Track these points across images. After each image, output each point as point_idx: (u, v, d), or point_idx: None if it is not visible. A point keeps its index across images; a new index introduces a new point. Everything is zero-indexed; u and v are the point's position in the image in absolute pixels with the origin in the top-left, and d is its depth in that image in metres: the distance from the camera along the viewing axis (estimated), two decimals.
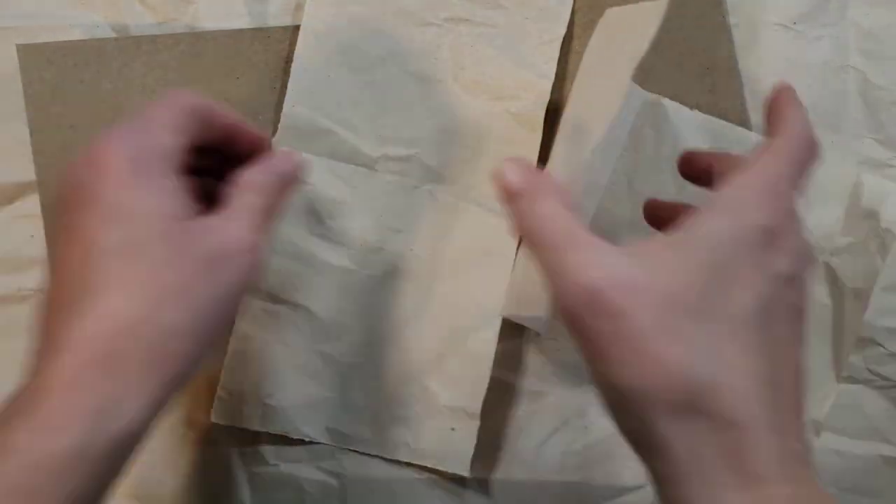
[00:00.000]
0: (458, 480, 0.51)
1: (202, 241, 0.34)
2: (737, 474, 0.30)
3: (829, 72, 0.54)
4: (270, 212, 0.38)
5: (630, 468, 0.52)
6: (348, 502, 0.51)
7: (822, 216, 0.54)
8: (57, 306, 0.33)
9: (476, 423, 0.50)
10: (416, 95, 0.52)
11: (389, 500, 0.52)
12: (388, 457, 0.50)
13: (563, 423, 0.52)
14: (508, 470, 0.52)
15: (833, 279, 0.54)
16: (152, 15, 0.51)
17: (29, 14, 0.50)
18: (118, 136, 0.34)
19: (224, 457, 0.51)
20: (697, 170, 0.43)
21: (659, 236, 0.33)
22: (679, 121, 0.52)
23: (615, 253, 0.32)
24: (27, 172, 0.50)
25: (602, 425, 0.53)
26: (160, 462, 0.51)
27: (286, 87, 0.50)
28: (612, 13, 0.48)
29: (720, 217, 0.32)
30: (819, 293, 0.54)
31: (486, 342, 0.50)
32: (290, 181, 0.40)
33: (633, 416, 0.33)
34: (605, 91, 0.42)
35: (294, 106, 0.49)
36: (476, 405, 0.50)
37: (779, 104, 0.36)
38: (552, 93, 0.52)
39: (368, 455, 0.51)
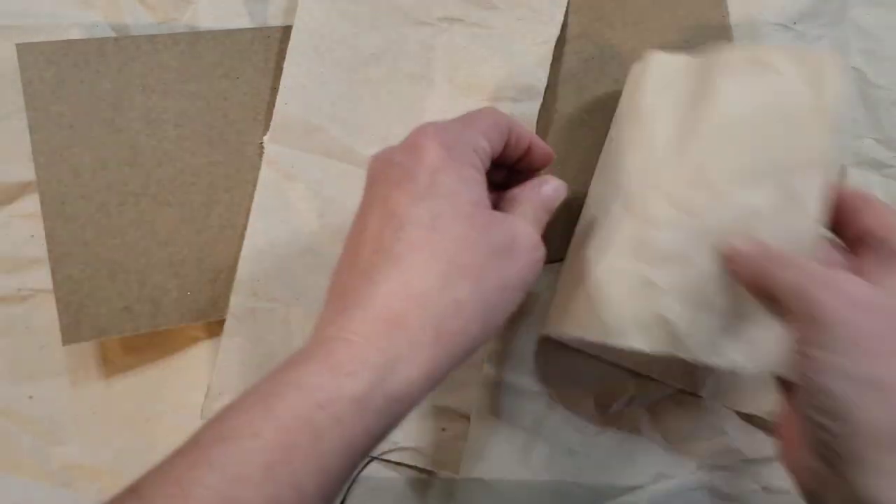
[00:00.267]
0: (456, 480, 0.51)
1: (499, 229, 0.37)
2: None
3: None
4: (542, 225, 0.41)
5: (630, 468, 0.52)
6: (348, 502, 0.51)
7: None
8: (357, 267, 0.36)
9: (467, 424, 0.50)
10: (409, 94, 0.51)
11: (389, 499, 0.51)
12: (379, 456, 0.50)
13: (563, 424, 0.52)
14: (507, 470, 0.52)
15: None
16: (152, 15, 0.52)
17: (29, 13, 0.51)
18: (439, 128, 0.38)
19: None
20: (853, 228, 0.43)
21: None
22: None
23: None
24: (27, 172, 0.50)
25: (602, 425, 0.53)
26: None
27: None
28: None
29: None
30: None
31: None
32: (553, 205, 0.43)
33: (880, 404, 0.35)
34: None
35: (287, 103, 0.49)
36: (466, 406, 0.50)
37: None
38: (545, 95, 0.52)
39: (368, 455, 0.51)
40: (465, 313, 0.35)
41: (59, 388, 0.50)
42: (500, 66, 0.52)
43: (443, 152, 0.37)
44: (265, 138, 0.49)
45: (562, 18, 0.52)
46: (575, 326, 0.45)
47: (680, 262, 0.43)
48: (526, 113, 0.52)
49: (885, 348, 0.35)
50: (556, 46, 0.52)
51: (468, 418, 0.50)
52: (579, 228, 0.48)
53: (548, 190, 0.42)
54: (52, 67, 0.48)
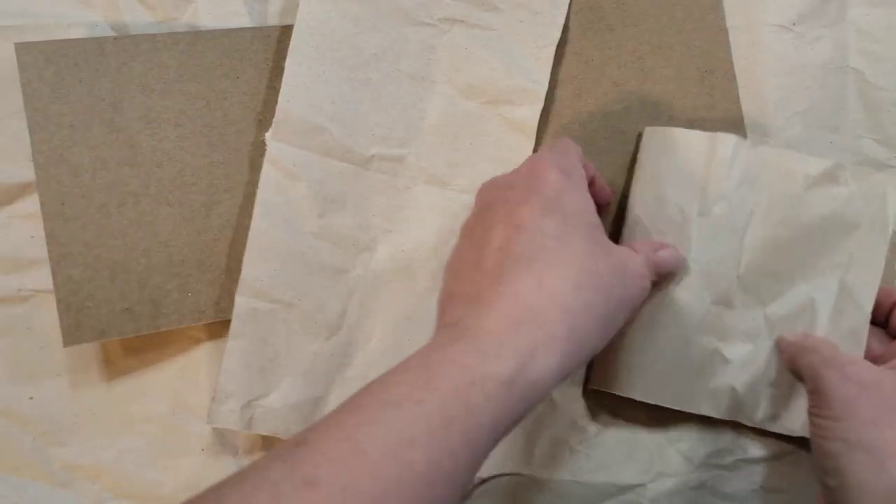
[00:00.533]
0: None
1: (617, 253, 0.41)
2: None
3: (829, 72, 0.54)
4: (652, 271, 0.45)
5: (630, 468, 0.52)
6: None
7: None
8: (484, 272, 0.39)
9: None
10: (409, 95, 0.51)
11: None
12: None
13: (564, 423, 0.52)
14: (507, 469, 0.52)
15: None
16: (151, 14, 0.51)
17: (28, 13, 0.50)
18: (552, 155, 0.43)
19: (224, 457, 0.51)
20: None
21: None
22: None
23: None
24: (27, 172, 0.49)
25: (603, 425, 0.53)
26: (160, 462, 0.50)
27: None
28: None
29: None
30: None
31: None
32: (669, 273, 0.48)
33: (862, 464, 0.42)
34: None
35: (288, 102, 0.49)
36: None
37: None
38: (545, 98, 0.52)
39: None
40: (594, 317, 0.38)
41: (59, 388, 0.50)
42: (500, 69, 0.52)
43: (562, 176, 0.41)
44: (267, 135, 0.48)
45: (563, 21, 0.52)
46: (641, 391, 0.49)
47: (748, 341, 0.50)
48: (526, 116, 0.52)
49: (877, 419, 0.42)
50: (556, 48, 0.52)
51: None
52: None
53: (664, 254, 0.47)
54: (52, 67, 0.48)
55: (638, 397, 0.49)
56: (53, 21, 0.50)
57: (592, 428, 0.53)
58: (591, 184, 0.47)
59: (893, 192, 0.49)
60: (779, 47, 0.54)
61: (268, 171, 0.49)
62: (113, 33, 0.51)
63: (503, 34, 0.52)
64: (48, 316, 0.49)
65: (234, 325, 0.49)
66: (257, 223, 0.48)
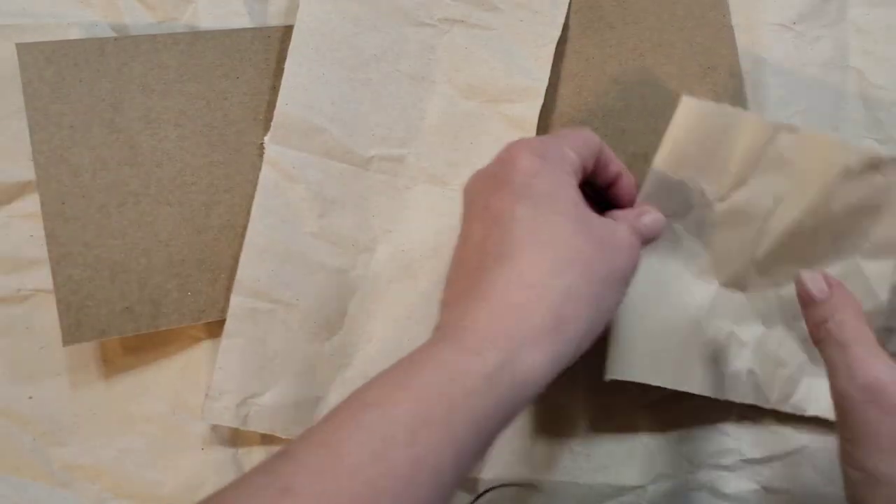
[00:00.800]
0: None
1: (598, 226, 0.40)
2: None
3: (830, 71, 0.54)
4: (641, 238, 0.43)
5: (630, 468, 0.52)
6: None
7: None
8: (468, 271, 0.39)
9: None
10: (409, 95, 0.51)
11: None
12: None
13: (564, 423, 0.52)
14: (508, 470, 0.52)
15: None
16: (151, 14, 0.51)
17: (28, 13, 0.50)
18: (529, 140, 0.41)
19: (224, 457, 0.51)
20: None
21: None
22: None
23: None
24: (27, 172, 0.49)
25: (603, 425, 0.53)
26: (160, 462, 0.50)
27: None
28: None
29: None
30: None
31: None
32: (653, 238, 0.45)
33: (883, 499, 0.38)
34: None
35: (287, 103, 0.49)
36: None
37: None
38: (545, 96, 0.52)
39: None
40: (580, 301, 0.37)
41: (59, 388, 0.50)
42: (500, 68, 0.52)
43: (536, 159, 0.39)
44: (266, 138, 0.49)
45: (563, 20, 0.52)
46: (664, 377, 0.48)
47: (762, 322, 0.50)
48: (526, 114, 0.52)
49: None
50: (556, 46, 0.52)
51: None
52: (652, 277, 0.49)
53: (647, 220, 0.44)
54: (52, 67, 0.48)
55: (661, 384, 0.48)
56: (53, 21, 0.50)
57: (593, 429, 0.53)
58: (614, 183, 0.46)
59: None
60: (779, 46, 0.54)
61: (266, 174, 0.49)
62: (112, 33, 0.51)
63: (503, 33, 0.52)
64: (48, 316, 0.49)
65: (230, 324, 0.49)
66: (255, 224, 0.48)
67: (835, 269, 0.48)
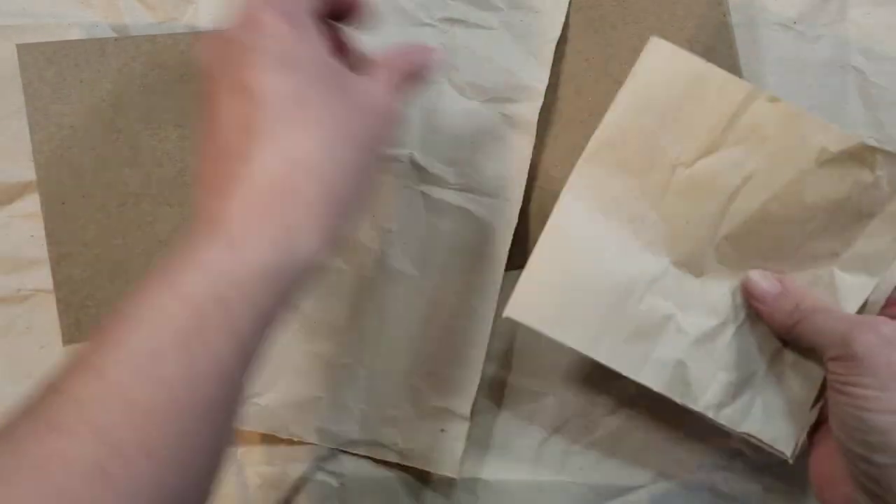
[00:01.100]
0: (454, 481, 0.51)
1: (358, 91, 0.37)
2: None
3: (830, 71, 0.54)
4: (401, 92, 0.40)
5: (630, 468, 0.52)
6: (348, 502, 0.52)
7: None
8: (222, 152, 0.34)
9: (466, 425, 0.50)
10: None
11: (389, 500, 0.52)
12: (377, 458, 0.51)
13: (564, 423, 0.52)
14: (508, 470, 0.52)
15: None
16: (152, 15, 0.52)
17: (28, 13, 0.51)
18: None
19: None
20: None
21: None
22: None
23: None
24: (27, 172, 0.50)
25: (602, 425, 0.53)
26: None
27: None
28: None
29: None
30: None
31: (477, 343, 0.51)
32: (421, 73, 0.41)
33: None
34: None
35: None
36: (466, 407, 0.50)
37: None
38: (546, 96, 0.52)
39: (368, 455, 0.51)
40: (350, 177, 0.35)
41: None
42: (500, 67, 0.52)
43: (286, 22, 0.35)
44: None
45: (563, 19, 0.53)
46: (570, 335, 0.45)
47: (713, 316, 0.46)
48: (526, 114, 0.52)
49: None
50: (556, 46, 0.52)
51: (468, 419, 0.50)
52: (590, 232, 0.46)
53: (414, 56, 0.41)
54: (53, 68, 0.49)
55: (564, 341, 0.44)
56: (53, 21, 0.51)
57: (593, 428, 0.53)
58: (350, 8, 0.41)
59: None
60: (779, 46, 0.54)
61: None
62: (113, 34, 0.51)
63: (503, 33, 0.52)
64: (48, 315, 0.50)
65: None
66: None
67: (804, 275, 0.46)
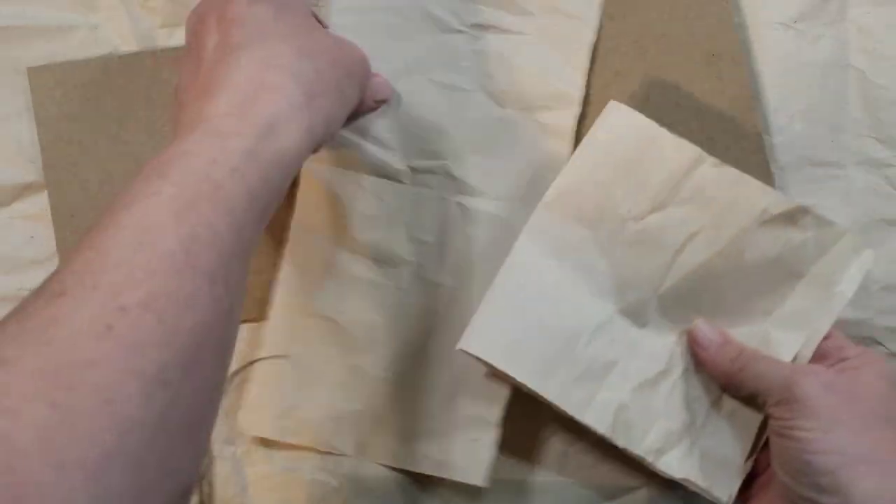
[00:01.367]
0: (456, 482, 0.51)
1: (328, 33, 0.43)
2: None
3: (830, 71, 0.55)
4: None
5: (630, 468, 0.52)
6: (348, 502, 0.52)
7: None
8: (207, 65, 0.38)
9: (497, 432, 0.50)
10: (442, 105, 0.51)
11: (389, 500, 0.52)
12: (414, 470, 0.51)
13: (564, 423, 0.52)
14: (508, 470, 0.53)
15: None
16: (153, 18, 0.52)
17: (27, 15, 0.51)
18: None
19: (223, 456, 0.52)
20: None
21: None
22: None
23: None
24: (27, 173, 0.51)
25: None
26: None
27: None
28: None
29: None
30: None
31: None
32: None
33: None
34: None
35: None
36: (498, 414, 0.50)
37: None
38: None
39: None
40: (327, 82, 0.39)
41: None
42: (534, 74, 0.52)
43: None
44: None
45: (597, 23, 0.52)
46: (515, 368, 0.46)
47: (656, 365, 0.48)
48: (562, 122, 0.52)
49: (868, 425, 0.41)
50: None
51: (500, 427, 0.50)
52: (543, 276, 0.48)
53: (379, 80, 0.48)
54: (60, 89, 0.50)
55: (516, 376, 0.46)
56: (55, 24, 0.51)
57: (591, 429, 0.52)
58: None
59: (854, 252, 0.46)
60: (779, 46, 0.54)
61: (304, 191, 0.50)
62: (114, 36, 0.52)
63: (536, 38, 0.52)
64: None
65: (268, 336, 0.50)
66: (294, 241, 0.50)
67: (741, 331, 0.47)
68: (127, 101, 0.51)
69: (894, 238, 0.54)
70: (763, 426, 0.47)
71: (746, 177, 0.47)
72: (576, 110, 0.52)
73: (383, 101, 0.49)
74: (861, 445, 0.41)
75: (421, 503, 0.53)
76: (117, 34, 0.52)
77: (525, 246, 0.47)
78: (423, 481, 0.52)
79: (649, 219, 0.47)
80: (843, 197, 0.55)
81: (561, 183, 0.47)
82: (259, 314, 0.51)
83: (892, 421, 0.42)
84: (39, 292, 0.30)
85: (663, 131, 0.47)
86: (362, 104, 0.46)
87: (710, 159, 0.47)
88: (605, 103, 0.47)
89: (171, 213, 0.31)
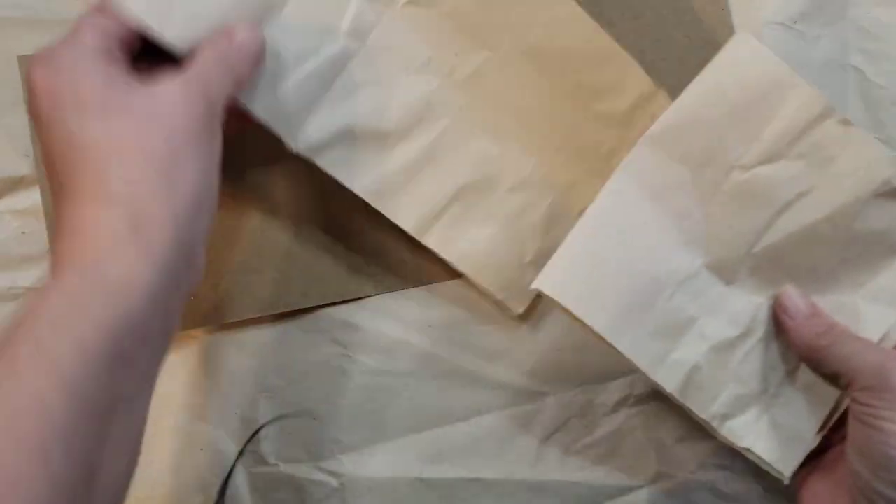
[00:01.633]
0: (455, 481, 0.52)
1: (142, 101, 0.36)
2: None
3: (830, 70, 0.55)
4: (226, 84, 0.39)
5: (630, 468, 0.53)
6: (348, 502, 0.52)
7: None
8: (55, 193, 0.36)
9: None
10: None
11: (389, 500, 0.52)
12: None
13: (564, 423, 0.53)
14: (508, 470, 0.53)
15: None
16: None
17: (22, 5, 0.50)
18: (39, 55, 0.37)
19: (224, 457, 0.52)
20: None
21: None
22: None
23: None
24: (17, 167, 0.50)
25: (602, 425, 0.53)
26: (160, 462, 0.51)
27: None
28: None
29: None
30: None
31: None
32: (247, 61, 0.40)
33: None
34: None
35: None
36: None
37: None
38: None
39: (368, 455, 0.52)
40: (148, 191, 0.35)
41: None
42: None
43: (47, 72, 0.36)
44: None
45: None
46: (591, 314, 0.43)
47: (736, 327, 0.46)
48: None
49: None
50: None
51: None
52: (634, 217, 0.45)
53: (241, 38, 0.40)
54: None
55: (590, 323, 0.43)
56: (50, 16, 0.50)
57: (593, 428, 0.53)
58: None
59: None
60: (779, 46, 0.54)
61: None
62: None
63: None
64: None
65: None
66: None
67: (829, 299, 0.46)
68: None
69: None
70: (838, 404, 0.45)
71: (874, 141, 0.44)
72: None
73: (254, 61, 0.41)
74: None
75: (421, 503, 0.53)
76: None
77: (621, 181, 0.44)
78: (423, 481, 0.52)
79: (758, 170, 0.44)
80: None
81: (670, 117, 0.44)
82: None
83: None
84: None
85: (793, 75, 0.44)
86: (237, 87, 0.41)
87: (838, 115, 0.44)
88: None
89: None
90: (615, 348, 0.43)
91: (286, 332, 0.52)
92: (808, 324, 0.44)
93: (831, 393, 0.45)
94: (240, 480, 0.52)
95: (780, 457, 0.46)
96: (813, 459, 0.46)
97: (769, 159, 0.44)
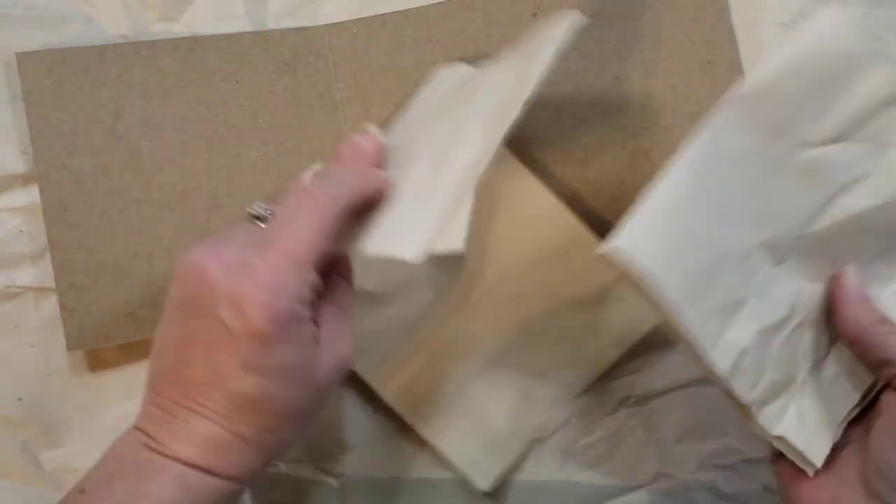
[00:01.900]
0: (455, 480, 0.52)
1: (317, 377, 0.38)
2: None
3: None
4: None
5: (630, 468, 0.53)
6: (348, 502, 0.52)
7: None
8: (177, 399, 0.37)
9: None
10: None
11: (389, 500, 0.53)
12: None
13: (564, 423, 0.53)
14: (508, 470, 0.53)
15: None
16: (149, 12, 0.52)
17: (20, 3, 0.51)
18: (265, 289, 0.35)
19: None
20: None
21: None
22: None
23: None
24: (17, 164, 0.50)
25: (602, 425, 0.54)
26: None
27: (285, 90, 0.51)
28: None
29: None
30: None
31: None
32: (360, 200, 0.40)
33: None
34: None
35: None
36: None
37: None
38: (544, 93, 0.47)
39: (368, 455, 0.52)
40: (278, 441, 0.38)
41: (50, 389, 0.51)
42: None
43: (272, 319, 0.35)
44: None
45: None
46: (667, 279, 0.38)
47: (777, 311, 0.44)
48: None
49: None
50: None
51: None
52: (713, 180, 0.41)
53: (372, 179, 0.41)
54: (52, 76, 0.49)
55: (664, 290, 0.38)
56: (48, 14, 0.51)
57: (593, 428, 0.53)
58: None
59: None
60: (779, 46, 0.54)
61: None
62: (112, 40, 0.51)
63: None
64: (37, 314, 0.50)
65: None
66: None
67: (871, 286, 0.44)
68: (122, 93, 0.50)
69: None
70: (865, 395, 0.45)
71: None
72: None
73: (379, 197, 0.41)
74: None
75: (421, 503, 0.53)
76: (113, 26, 0.52)
77: (706, 141, 0.41)
78: (426, 481, 0.53)
79: (824, 149, 0.42)
80: None
81: (753, 80, 0.41)
82: None
83: None
84: None
85: (874, 54, 0.42)
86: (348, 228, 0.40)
87: None
88: (605, 108, 0.47)
89: None
90: (675, 322, 0.40)
91: None
92: (864, 307, 0.43)
93: (860, 384, 0.45)
94: None
95: (810, 448, 0.44)
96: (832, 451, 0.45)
97: (836, 139, 0.43)
